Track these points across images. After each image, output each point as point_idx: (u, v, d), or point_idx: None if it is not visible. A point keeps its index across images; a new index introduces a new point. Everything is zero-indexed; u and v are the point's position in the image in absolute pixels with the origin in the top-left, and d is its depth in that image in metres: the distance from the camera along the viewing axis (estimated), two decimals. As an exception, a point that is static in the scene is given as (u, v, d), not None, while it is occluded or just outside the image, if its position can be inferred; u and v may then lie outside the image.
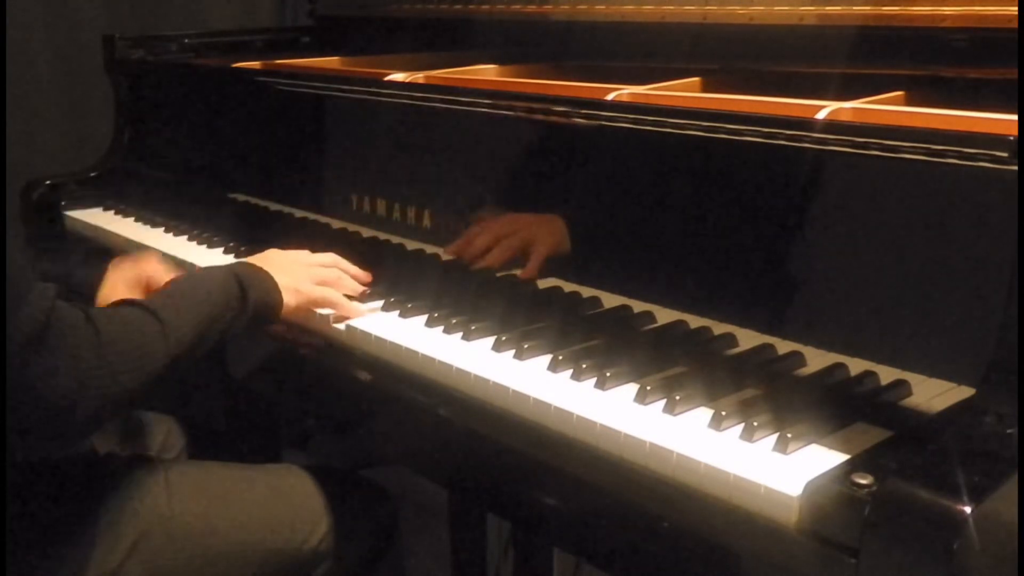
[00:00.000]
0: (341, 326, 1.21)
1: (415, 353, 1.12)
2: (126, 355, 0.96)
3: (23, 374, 0.88)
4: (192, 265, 1.50)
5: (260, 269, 1.18)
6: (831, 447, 0.87)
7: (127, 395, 0.97)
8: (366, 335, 1.18)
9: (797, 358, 0.99)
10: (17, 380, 0.88)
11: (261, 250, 1.46)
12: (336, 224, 1.50)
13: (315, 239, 1.48)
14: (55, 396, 0.89)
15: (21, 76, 2.17)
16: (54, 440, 1.00)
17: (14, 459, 1.09)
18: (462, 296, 1.23)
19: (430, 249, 1.36)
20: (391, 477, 1.42)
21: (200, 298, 1.09)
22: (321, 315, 1.22)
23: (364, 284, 1.28)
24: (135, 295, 1.24)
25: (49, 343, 0.89)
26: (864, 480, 0.76)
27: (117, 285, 1.28)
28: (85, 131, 2.24)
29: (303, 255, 1.26)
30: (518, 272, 1.25)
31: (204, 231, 1.60)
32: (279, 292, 1.18)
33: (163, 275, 1.28)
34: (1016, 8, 1.08)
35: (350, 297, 1.24)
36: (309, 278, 1.21)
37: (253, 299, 1.14)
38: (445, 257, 1.33)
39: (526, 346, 1.09)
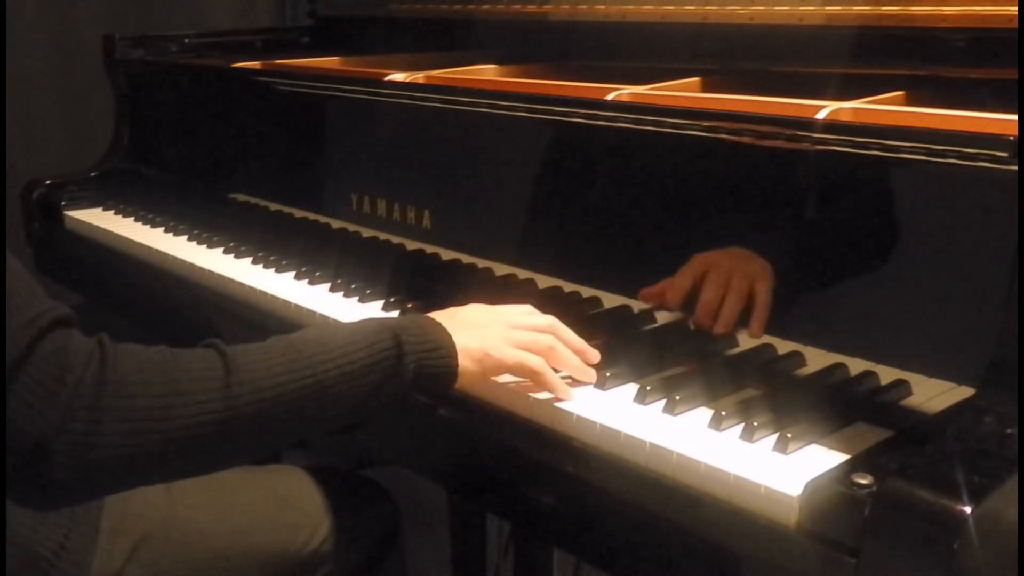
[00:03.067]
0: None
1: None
2: (139, 403, 0.75)
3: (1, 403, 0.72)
4: (191, 265, 1.50)
5: (434, 324, 0.94)
6: (831, 447, 0.87)
7: (134, 459, 0.75)
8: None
9: (797, 358, 0.99)
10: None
11: (262, 249, 1.47)
12: (336, 224, 1.50)
13: (315, 239, 1.48)
14: (22, 436, 0.72)
15: (21, 76, 2.17)
16: (35, 494, 0.77)
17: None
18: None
19: (430, 249, 1.36)
20: (391, 477, 1.42)
21: (314, 348, 0.85)
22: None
23: (589, 361, 1.01)
24: None
25: (26, 373, 0.72)
26: (864, 480, 0.76)
27: None
28: (85, 131, 2.24)
29: (510, 312, 1.01)
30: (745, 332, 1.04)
31: (204, 231, 1.60)
32: (454, 355, 0.93)
33: None
34: (1016, 8, 1.08)
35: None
36: (507, 340, 0.96)
37: (414, 361, 0.90)
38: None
39: (526, 346, 1.09)
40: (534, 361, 0.96)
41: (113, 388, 0.75)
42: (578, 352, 1.01)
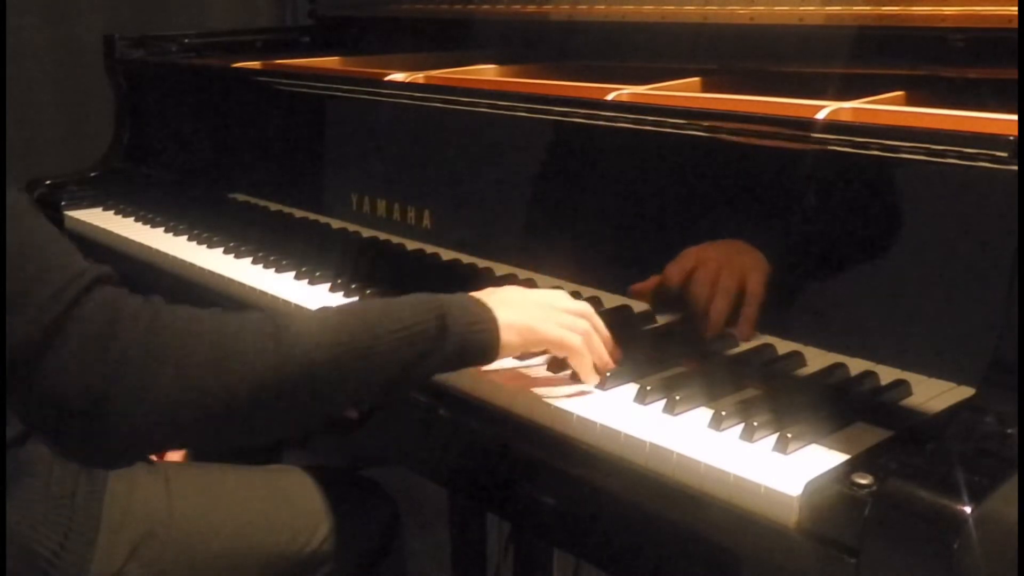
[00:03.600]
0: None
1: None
2: (192, 356, 0.76)
3: (37, 363, 0.73)
4: (191, 265, 1.50)
5: (475, 300, 0.96)
6: (831, 447, 0.87)
7: (188, 414, 0.76)
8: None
9: (797, 358, 0.99)
10: (34, 369, 0.73)
11: (262, 250, 1.46)
12: (336, 224, 1.50)
13: (315, 239, 1.48)
14: (73, 393, 0.73)
15: (21, 76, 2.17)
16: (92, 450, 0.78)
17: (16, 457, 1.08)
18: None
19: (430, 249, 1.36)
20: (391, 477, 1.42)
21: (362, 318, 0.88)
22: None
23: (613, 356, 1.02)
24: None
25: (72, 328, 0.74)
26: (864, 480, 0.76)
27: None
28: (85, 131, 2.24)
29: (548, 295, 1.03)
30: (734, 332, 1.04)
31: (204, 231, 1.60)
32: (496, 329, 0.94)
33: None
34: (1016, 8, 1.08)
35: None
36: (547, 318, 0.98)
37: (457, 332, 0.91)
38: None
39: (526, 346, 1.09)
40: (575, 340, 0.97)
41: (166, 340, 0.75)
42: (605, 342, 1.02)
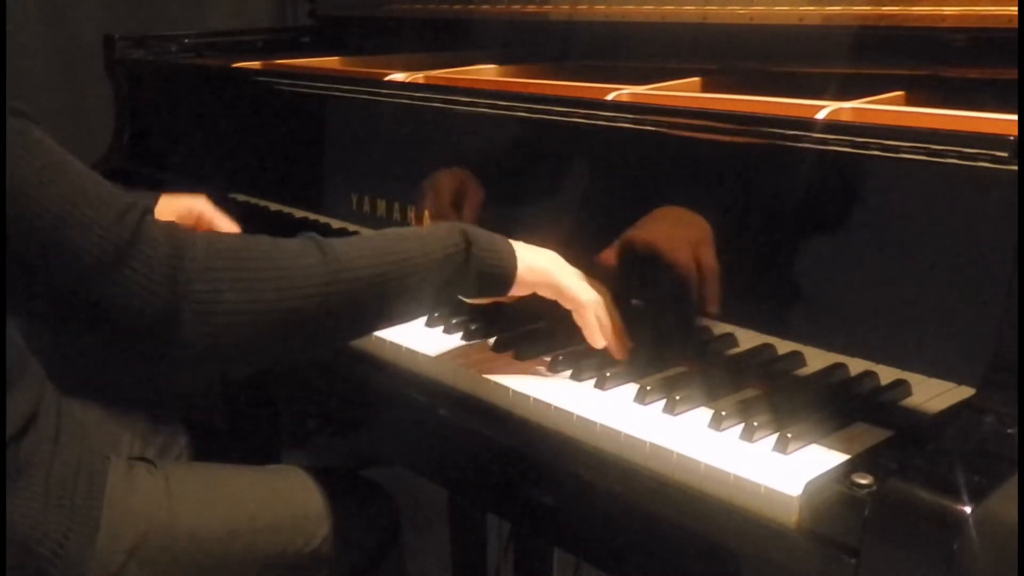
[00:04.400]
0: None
1: (415, 353, 1.12)
2: (250, 271, 0.83)
3: (111, 285, 0.79)
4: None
5: (500, 237, 1.03)
6: (831, 447, 0.87)
7: (254, 327, 0.83)
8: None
9: (797, 358, 0.99)
10: (106, 292, 0.79)
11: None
12: (336, 224, 1.50)
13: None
14: (147, 312, 0.79)
15: (21, 76, 2.17)
16: (164, 362, 0.85)
17: (16, 458, 1.09)
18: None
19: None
20: (391, 477, 1.42)
21: (397, 241, 0.94)
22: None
23: (621, 350, 1.06)
24: None
25: (136, 253, 0.80)
26: (864, 480, 0.76)
27: (167, 217, 1.22)
28: (85, 131, 2.24)
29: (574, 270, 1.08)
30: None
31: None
32: (515, 264, 1.01)
33: (215, 215, 1.26)
34: (1016, 8, 1.08)
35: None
36: (566, 272, 1.04)
37: (480, 259, 0.98)
38: None
39: (526, 347, 1.09)
40: (588, 296, 1.02)
41: (227, 256, 0.82)
42: (615, 328, 1.05)
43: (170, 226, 0.84)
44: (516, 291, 1.03)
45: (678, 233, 1.07)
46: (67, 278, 0.79)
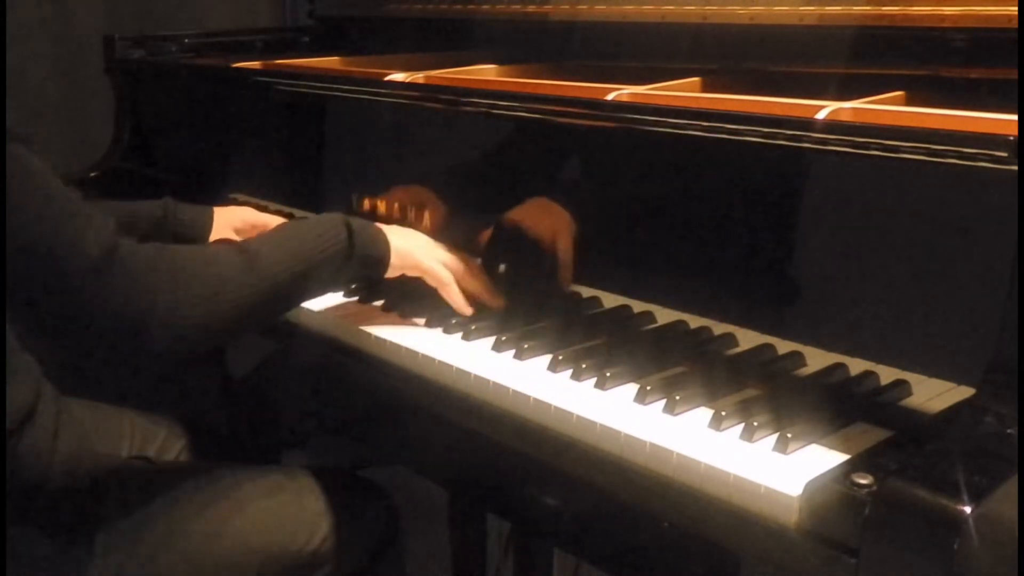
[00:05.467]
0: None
1: (415, 353, 1.12)
2: (202, 282, 1.00)
3: (96, 296, 0.92)
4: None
5: (374, 225, 1.20)
6: (831, 447, 0.87)
7: (206, 323, 1.00)
8: (365, 334, 1.18)
9: (797, 358, 0.99)
10: (90, 303, 0.92)
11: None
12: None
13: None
14: (124, 320, 0.94)
15: (21, 76, 2.17)
16: (138, 357, 1.02)
17: (15, 457, 1.09)
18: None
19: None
20: (391, 477, 1.42)
21: (298, 238, 1.12)
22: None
23: (489, 300, 1.22)
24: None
25: (120, 265, 0.94)
26: (864, 480, 0.76)
27: (226, 231, 1.38)
28: (85, 131, 2.24)
29: (438, 244, 1.25)
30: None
31: (204, 231, 1.60)
32: (389, 249, 1.18)
33: (268, 220, 1.40)
34: (1016, 8, 1.08)
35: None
36: (433, 255, 1.21)
37: (360, 247, 1.15)
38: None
39: (526, 346, 1.09)
40: (440, 271, 1.19)
41: (182, 280, 0.98)
42: (482, 287, 1.22)
43: (136, 248, 0.97)
44: (389, 274, 1.19)
45: (545, 220, 1.22)
46: (51, 292, 0.92)
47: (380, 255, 1.18)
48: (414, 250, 1.20)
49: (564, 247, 1.19)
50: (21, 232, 0.89)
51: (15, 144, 0.92)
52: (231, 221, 1.41)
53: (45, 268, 0.90)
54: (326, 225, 1.15)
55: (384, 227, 1.21)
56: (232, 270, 1.03)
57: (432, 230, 1.31)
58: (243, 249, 1.07)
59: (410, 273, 1.20)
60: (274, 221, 1.42)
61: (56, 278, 0.91)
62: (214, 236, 1.38)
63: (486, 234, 1.28)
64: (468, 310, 1.19)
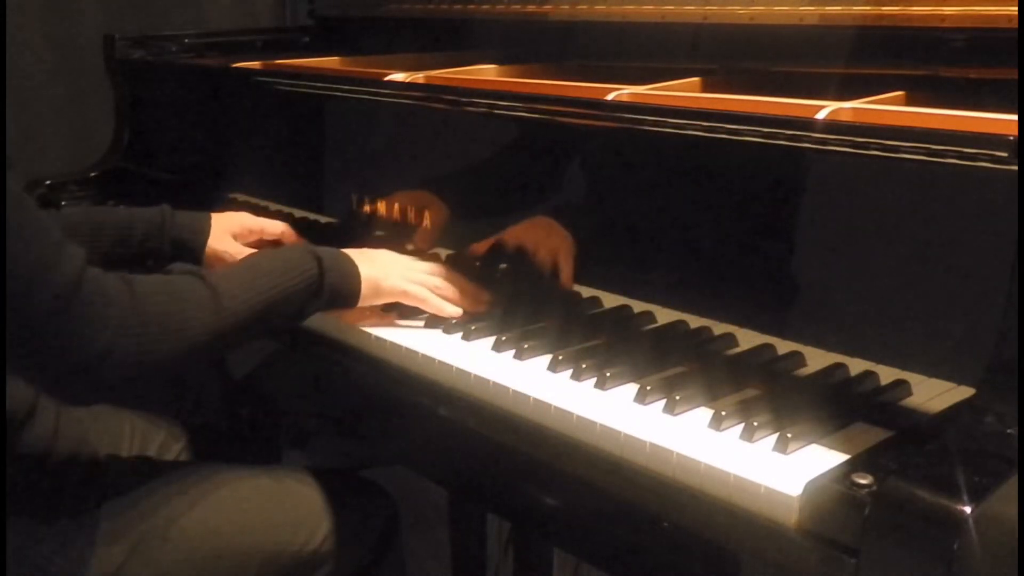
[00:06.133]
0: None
1: (415, 353, 1.12)
2: (165, 318, 0.98)
3: (59, 332, 0.91)
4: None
5: (344, 256, 1.18)
6: (831, 447, 0.87)
7: (167, 358, 0.99)
8: (365, 334, 1.18)
9: (797, 358, 0.99)
10: (53, 338, 0.91)
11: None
12: (336, 224, 1.50)
13: (315, 239, 1.48)
14: (90, 354, 0.92)
15: (21, 76, 2.17)
16: (84, 393, 1.01)
17: (15, 456, 1.09)
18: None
19: (426, 249, 1.36)
20: (391, 477, 1.42)
21: (266, 273, 1.10)
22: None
23: (477, 304, 1.22)
24: (245, 245, 1.37)
25: (84, 301, 0.92)
26: (864, 480, 0.76)
27: (223, 237, 1.37)
28: (85, 131, 2.24)
29: (412, 260, 1.25)
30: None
31: (204, 231, 1.60)
32: (359, 281, 1.17)
33: (264, 224, 1.40)
34: (1016, 8, 1.08)
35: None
36: (402, 277, 1.20)
37: (330, 282, 1.14)
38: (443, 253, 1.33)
39: (526, 346, 1.09)
40: (415, 290, 1.19)
41: (144, 317, 0.97)
42: (463, 291, 1.21)
43: (102, 280, 0.96)
44: (361, 304, 1.18)
45: (547, 242, 1.22)
46: (15, 319, 0.90)
47: (351, 289, 1.16)
48: (384, 279, 1.18)
49: (566, 270, 1.19)
50: None
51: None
52: (229, 227, 1.39)
53: (12, 295, 0.88)
54: (296, 259, 1.13)
55: (355, 254, 1.19)
56: (197, 305, 1.02)
57: (432, 231, 1.30)
58: (210, 283, 1.05)
59: (385, 301, 1.19)
60: (272, 225, 1.42)
61: (21, 306, 0.89)
62: (212, 242, 1.36)
63: (485, 245, 1.27)
64: (457, 312, 1.19)
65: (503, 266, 1.25)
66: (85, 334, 0.92)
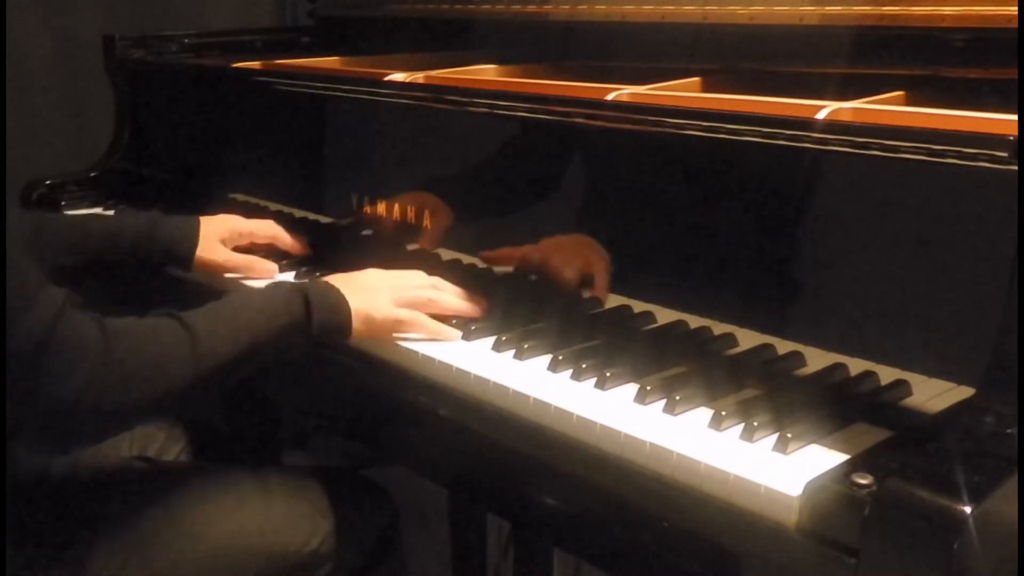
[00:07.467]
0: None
1: (415, 353, 1.12)
2: (139, 364, 0.96)
3: (28, 378, 0.89)
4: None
5: (333, 289, 1.13)
6: (831, 447, 0.87)
7: (142, 405, 0.97)
8: (366, 335, 1.18)
9: (797, 358, 0.99)
10: (22, 384, 0.89)
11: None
12: (336, 224, 1.50)
13: (315, 239, 1.48)
14: (59, 402, 0.90)
15: (21, 76, 2.17)
16: (57, 443, 1.01)
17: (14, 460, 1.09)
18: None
19: (430, 249, 1.36)
20: (391, 477, 1.42)
21: (249, 314, 1.06)
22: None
23: (471, 312, 1.18)
24: (234, 249, 1.36)
25: (55, 348, 0.90)
26: (864, 480, 0.76)
27: (212, 244, 1.35)
28: (85, 131, 2.24)
29: (398, 276, 1.20)
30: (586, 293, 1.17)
31: (204, 231, 1.60)
32: (349, 316, 1.12)
33: (254, 227, 1.38)
34: (1016, 8, 1.08)
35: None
36: (392, 301, 1.14)
37: (318, 320, 1.09)
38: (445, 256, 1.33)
39: (526, 346, 1.09)
40: (406, 315, 1.14)
41: (116, 364, 0.94)
42: (458, 303, 1.18)
43: (78, 326, 0.93)
44: (353, 337, 1.13)
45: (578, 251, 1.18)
46: None
47: (341, 324, 1.12)
48: (375, 310, 1.13)
49: (601, 290, 1.15)
50: None
51: None
52: (218, 231, 1.37)
53: None
54: (281, 296, 1.09)
55: (340, 281, 1.15)
56: (173, 349, 0.99)
57: (434, 231, 1.30)
58: (187, 324, 1.02)
59: (378, 334, 1.14)
60: (262, 229, 1.40)
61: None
62: (201, 247, 1.35)
63: (519, 253, 1.23)
64: (456, 335, 1.14)
65: (533, 278, 1.22)
66: (54, 380, 0.90)
